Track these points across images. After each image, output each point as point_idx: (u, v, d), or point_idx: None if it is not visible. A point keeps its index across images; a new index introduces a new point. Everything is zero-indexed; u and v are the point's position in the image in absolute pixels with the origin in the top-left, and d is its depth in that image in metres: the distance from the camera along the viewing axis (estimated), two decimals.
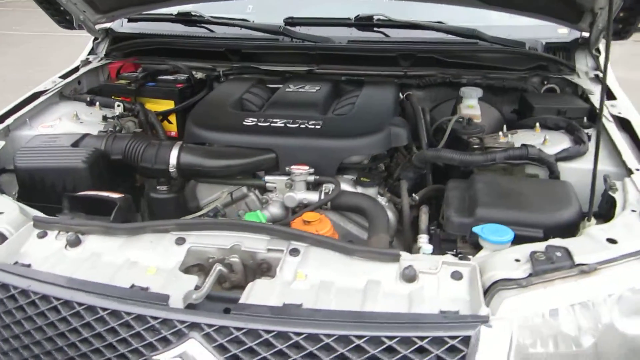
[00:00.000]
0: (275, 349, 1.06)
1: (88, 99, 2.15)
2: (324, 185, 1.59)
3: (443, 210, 1.54)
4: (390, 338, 1.05)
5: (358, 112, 1.79)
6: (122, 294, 1.17)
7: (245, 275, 1.31)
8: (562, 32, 2.21)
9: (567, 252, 1.18)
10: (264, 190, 1.73)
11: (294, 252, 1.28)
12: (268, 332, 1.07)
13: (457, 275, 1.20)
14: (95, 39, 2.53)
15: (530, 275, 1.14)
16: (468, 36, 2.13)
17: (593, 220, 1.33)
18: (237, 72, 2.31)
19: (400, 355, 1.04)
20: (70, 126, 1.97)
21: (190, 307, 1.16)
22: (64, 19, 2.29)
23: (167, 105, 2.16)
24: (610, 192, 1.42)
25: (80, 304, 1.16)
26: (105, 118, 2.01)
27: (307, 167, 1.58)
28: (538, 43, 2.16)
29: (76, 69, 2.39)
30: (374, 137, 1.65)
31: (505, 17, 2.24)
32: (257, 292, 1.19)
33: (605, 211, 1.44)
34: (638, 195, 1.37)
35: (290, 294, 1.18)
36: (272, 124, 1.71)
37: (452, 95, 2.15)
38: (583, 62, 2.13)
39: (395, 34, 2.25)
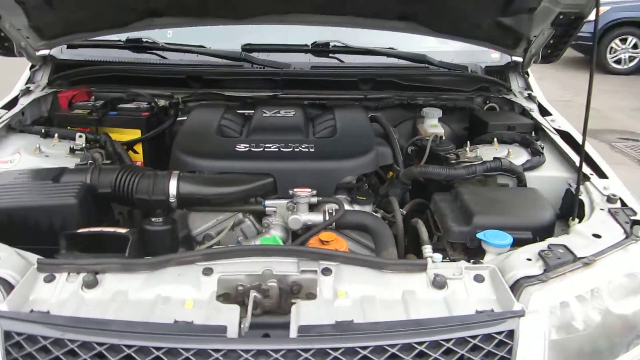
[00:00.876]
0: None
1: (43, 130, 2.01)
2: (326, 205, 1.66)
3: (436, 221, 1.68)
4: (447, 340, 1.15)
5: (343, 134, 1.88)
6: (173, 330, 1.15)
7: (279, 299, 1.34)
8: (494, 57, 2.49)
9: (567, 249, 1.36)
10: (259, 215, 1.75)
11: (326, 271, 1.33)
12: (335, 349, 1.12)
13: (479, 278, 1.33)
14: (33, 66, 2.37)
15: (545, 271, 1.30)
16: (418, 61, 2.33)
17: (576, 220, 1.54)
18: (197, 99, 2.29)
19: (458, 355, 1.15)
20: (33, 160, 1.83)
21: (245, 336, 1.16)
22: (3, 45, 2.12)
23: (133, 134, 2.09)
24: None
25: (129, 346, 1.12)
26: (72, 150, 1.90)
27: (309, 190, 1.64)
28: (477, 67, 2.42)
29: (16, 99, 2.22)
30: (366, 158, 1.75)
31: (444, 44, 2.50)
32: (304, 314, 1.22)
33: (567, 212, 1.68)
34: (600, 196, 1.61)
35: (337, 311, 1.23)
36: (266, 149, 1.75)
37: (408, 115, 2.32)
38: (515, 83, 2.43)
39: (351, 59, 2.38)
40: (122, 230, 1.46)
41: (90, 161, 1.80)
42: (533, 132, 2.08)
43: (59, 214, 1.54)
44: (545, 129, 2.04)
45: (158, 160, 2.12)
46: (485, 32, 2.15)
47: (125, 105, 2.16)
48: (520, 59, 2.37)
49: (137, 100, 2.21)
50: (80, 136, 1.98)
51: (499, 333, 1.18)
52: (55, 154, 1.89)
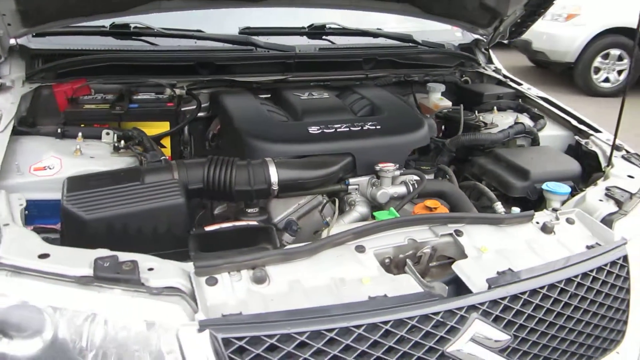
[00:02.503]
0: (534, 304, 1.28)
1: (59, 130, 1.77)
2: (405, 177, 1.77)
3: (488, 181, 1.90)
4: (591, 271, 1.39)
5: (390, 111, 1.98)
6: (383, 304, 1.19)
7: (427, 264, 1.44)
8: (458, 36, 2.78)
9: (621, 189, 1.69)
10: (330, 195, 1.79)
11: (459, 233, 1.47)
12: (523, 293, 1.28)
13: (570, 221, 1.59)
14: None
15: (619, 207, 1.61)
16: (405, 40, 2.51)
17: (610, 166, 1.87)
18: (203, 87, 2.18)
19: (601, 281, 1.39)
20: (78, 164, 1.63)
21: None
22: None
23: (161, 127, 1.93)
24: (586, 148, 2.01)
25: (358, 326, 1.14)
26: (117, 148, 1.71)
27: (392, 164, 1.73)
28: (451, 45, 2.68)
29: None
30: (423, 130, 1.89)
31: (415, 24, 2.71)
32: (467, 270, 1.35)
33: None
34: (608, 147, 1.98)
35: (492, 264, 1.37)
36: (338, 130, 1.78)
37: (403, 92, 2.49)
38: (480, 58, 2.74)
39: (345, 40, 2.47)
40: (252, 223, 1.41)
41: (163, 157, 1.65)
42: (520, 99, 2.41)
43: (165, 215, 1.43)
44: (529, 95, 2.39)
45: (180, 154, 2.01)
46: (469, 13, 2.41)
47: (143, 97, 1.98)
48: (481, 37, 2.69)
49: (143, 91, 2.04)
50: (108, 133, 1.79)
51: (619, 259, 1.45)
52: (99, 154, 1.69)
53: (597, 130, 2.11)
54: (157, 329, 1.09)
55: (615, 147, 1.96)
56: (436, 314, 1.20)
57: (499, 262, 1.38)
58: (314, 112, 1.92)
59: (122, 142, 1.74)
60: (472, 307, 1.23)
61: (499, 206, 1.78)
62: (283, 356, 1.10)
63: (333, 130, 1.78)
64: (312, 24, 2.41)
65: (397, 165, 1.75)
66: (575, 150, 2.09)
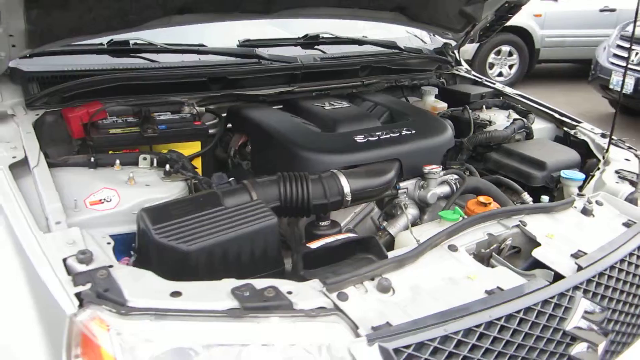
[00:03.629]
0: (614, 278, 1.45)
1: (92, 159, 1.63)
2: (447, 177, 1.86)
3: (506, 174, 2.07)
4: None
5: (416, 115, 2.06)
6: (511, 294, 1.28)
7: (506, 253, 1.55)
8: (427, 41, 2.94)
9: (627, 170, 1.94)
10: (381, 201, 1.84)
11: (524, 223, 1.60)
12: (606, 270, 1.44)
13: (600, 203, 1.79)
14: None
15: (634, 187, 1.84)
16: (390, 47, 2.62)
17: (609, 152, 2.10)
18: (213, 102, 2.11)
19: None
20: (137, 193, 1.51)
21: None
22: None
23: (193, 147, 1.84)
24: (575, 138, 2.26)
25: (499, 318, 1.22)
26: (168, 173, 1.61)
27: (438, 166, 1.82)
28: (426, 49, 2.83)
29: None
30: (451, 131, 2.00)
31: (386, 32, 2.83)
32: (549, 255, 1.48)
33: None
34: (595, 135, 2.24)
35: (564, 247, 1.52)
36: (382, 137, 1.83)
37: (395, 96, 2.59)
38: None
39: (335, 49, 2.52)
40: (353, 235, 1.42)
41: (230, 180, 1.58)
42: (501, 97, 2.62)
43: (262, 237, 1.39)
44: (507, 93, 2.61)
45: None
46: (449, 20, 2.58)
47: (167, 117, 1.86)
48: (449, 41, 2.88)
49: (156, 110, 1.93)
50: (145, 158, 1.68)
51: None
52: (151, 181, 1.58)
53: (578, 121, 2.37)
54: (330, 350, 1.08)
55: (602, 135, 2.24)
56: (552, 297, 1.31)
57: (569, 245, 1.53)
58: (345, 122, 1.95)
59: (168, 166, 1.65)
60: (576, 288, 1.36)
61: (526, 196, 1.94)
62: (445, 357, 1.14)
63: (377, 138, 1.83)
64: (307, 34, 2.43)
65: (442, 167, 1.84)
66: (564, 140, 2.33)
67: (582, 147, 2.23)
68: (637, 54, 6.08)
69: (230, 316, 1.08)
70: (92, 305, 1.07)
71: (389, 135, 1.86)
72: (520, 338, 1.23)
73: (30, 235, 1.23)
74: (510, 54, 8.26)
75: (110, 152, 1.73)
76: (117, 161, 1.64)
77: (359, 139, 1.81)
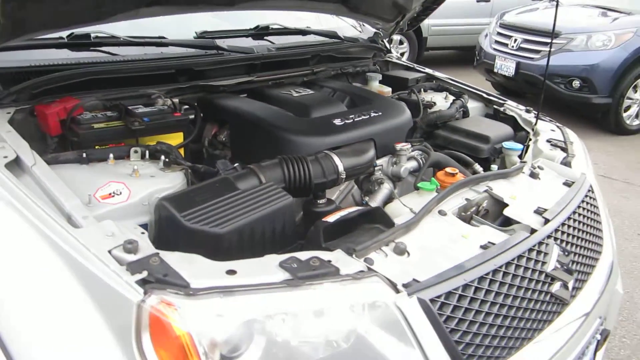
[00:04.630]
0: (572, 227, 1.73)
1: (84, 155, 1.59)
2: (414, 153, 2.05)
3: (455, 148, 2.32)
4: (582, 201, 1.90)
5: (376, 99, 2.22)
6: (503, 246, 1.49)
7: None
8: (358, 30, 3.12)
9: (555, 139, 2.27)
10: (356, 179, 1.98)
11: (490, 188, 1.84)
12: (565, 220, 1.71)
13: (541, 167, 2.08)
14: None
15: (565, 152, 2.17)
16: (332, 37, 2.77)
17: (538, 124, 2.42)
18: (179, 93, 2.11)
19: (589, 204, 1.91)
20: (145, 184, 1.52)
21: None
22: None
23: (176, 138, 1.84)
24: (504, 114, 2.58)
25: (501, 266, 1.43)
26: (168, 164, 1.62)
27: (407, 144, 2.00)
28: (360, 39, 3.00)
29: None
30: (409, 113, 2.19)
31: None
32: (518, 213, 1.73)
33: None
34: (521, 111, 2.56)
35: (527, 205, 1.77)
36: (354, 120, 1.96)
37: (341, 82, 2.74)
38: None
39: (282, 40, 2.60)
40: (362, 208, 1.56)
41: (236, 165, 1.63)
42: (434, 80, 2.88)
43: (281, 216, 1.48)
44: (438, 76, 2.88)
45: None
46: (382, 10, 2.78)
47: (146, 110, 1.84)
48: (379, 31, 3.09)
49: (129, 104, 1.90)
50: (136, 151, 1.68)
51: (590, 188, 1.99)
52: (153, 172, 1.59)
53: (504, 100, 2.70)
54: (381, 305, 1.21)
55: (526, 110, 2.57)
56: (534, 246, 1.55)
57: (530, 203, 1.79)
58: (316, 107, 2.06)
59: (163, 157, 1.66)
60: (549, 237, 1.61)
61: (477, 166, 2.20)
62: (469, 301, 1.33)
63: (352, 120, 1.97)
64: (258, 25, 2.49)
65: (409, 145, 2.03)
66: (494, 117, 2.64)
67: (511, 122, 2.55)
68: (515, 40, 6.83)
69: (290, 285, 1.17)
70: (156, 291, 1.10)
71: (361, 118, 2.01)
72: (517, 281, 1.46)
73: (63, 232, 1.21)
74: (401, 42, 8.82)
75: (96, 147, 1.69)
76: (111, 155, 1.62)
77: (337, 122, 1.94)
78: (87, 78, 1.84)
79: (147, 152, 1.68)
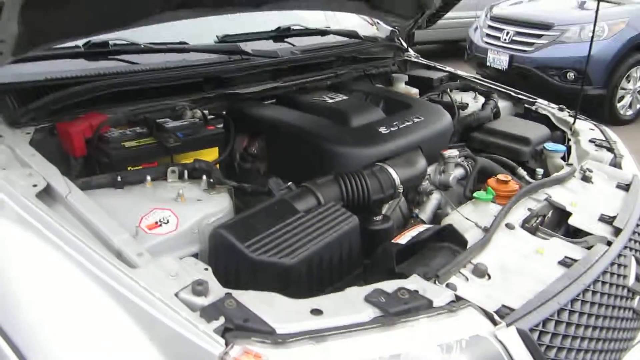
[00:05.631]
0: None
1: (119, 178, 1.43)
2: (459, 160, 1.93)
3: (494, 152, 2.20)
4: None
5: (414, 104, 2.09)
6: (587, 262, 1.38)
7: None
8: (374, 28, 2.99)
9: (598, 139, 2.17)
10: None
11: (549, 195, 1.73)
12: (635, 228, 1.61)
13: (591, 170, 1.98)
14: None
15: (612, 153, 2.07)
16: (352, 36, 2.63)
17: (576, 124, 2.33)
18: (205, 103, 1.95)
19: None
20: (193, 210, 1.37)
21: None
22: None
23: (211, 154, 1.68)
24: (537, 113, 2.47)
25: (590, 284, 1.32)
26: (212, 184, 1.47)
27: (455, 150, 1.88)
28: (379, 38, 2.87)
29: None
30: (449, 116, 2.06)
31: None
32: (583, 222, 1.62)
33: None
34: (554, 110, 2.46)
35: (590, 212, 1.67)
36: (399, 127, 1.83)
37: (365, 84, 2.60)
38: None
39: (301, 42, 2.46)
40: (433, 226, 1.43)
41: (289, 184, 1.48)
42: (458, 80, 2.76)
43: (347, 239, 1.34)
44: (462, 75, 2.76)
45: None
46: (404, 8, 2.65)
47: (177, 124, 1.68)
48: (395, 29, 2.96)
49: (156, 117, 1.74)
50: (174, 171, 1.52)
51: None
52: (198, 195, 1.44)
53: (534, 98, 2.60)
54: (481, 340, 1.09)
55: (559, 108, 2.47)
56: (615, 259, 1.44)
57: (592, 210, 1.69)
58: (355, 114, 1.92)
59: (204, 177, 1.51)
60: (625, 248, 1.51)
61: (521, 171, 2.09)
62: (565, 327, 1.21)
63: (396, 128, 1.84)
64: (279, 27, 2.34)
65: (457, 152, 1.91)
66: (526, 116, 2.53)
67: (544, 121, 2.45)
68: (507, 33, 6.77)
69: (385, 325, 1.04)
70: (239, 340, 0.96)
71: (405, 125, 1.88)
72: (605, 299, 1.35)
73: (119, 274, 1.06)
74: None
75: (129, 168, 1.53)
76: (148, 177, 1.46)
77: (383, 130, 1.80)
78: (112, 90, 1.67)
79: (185, 171, 1.52)
